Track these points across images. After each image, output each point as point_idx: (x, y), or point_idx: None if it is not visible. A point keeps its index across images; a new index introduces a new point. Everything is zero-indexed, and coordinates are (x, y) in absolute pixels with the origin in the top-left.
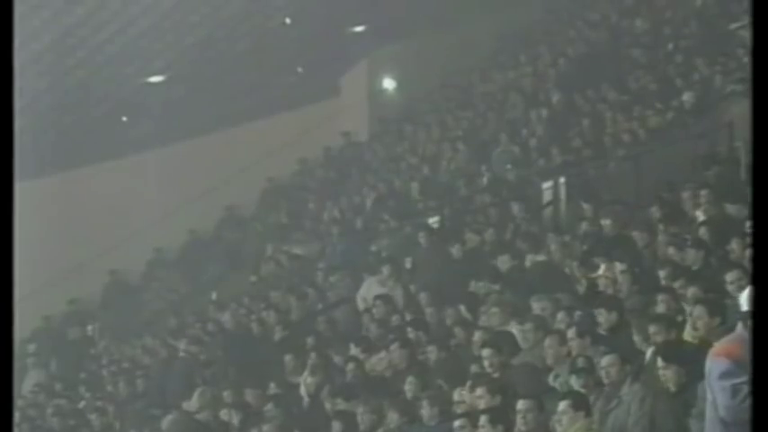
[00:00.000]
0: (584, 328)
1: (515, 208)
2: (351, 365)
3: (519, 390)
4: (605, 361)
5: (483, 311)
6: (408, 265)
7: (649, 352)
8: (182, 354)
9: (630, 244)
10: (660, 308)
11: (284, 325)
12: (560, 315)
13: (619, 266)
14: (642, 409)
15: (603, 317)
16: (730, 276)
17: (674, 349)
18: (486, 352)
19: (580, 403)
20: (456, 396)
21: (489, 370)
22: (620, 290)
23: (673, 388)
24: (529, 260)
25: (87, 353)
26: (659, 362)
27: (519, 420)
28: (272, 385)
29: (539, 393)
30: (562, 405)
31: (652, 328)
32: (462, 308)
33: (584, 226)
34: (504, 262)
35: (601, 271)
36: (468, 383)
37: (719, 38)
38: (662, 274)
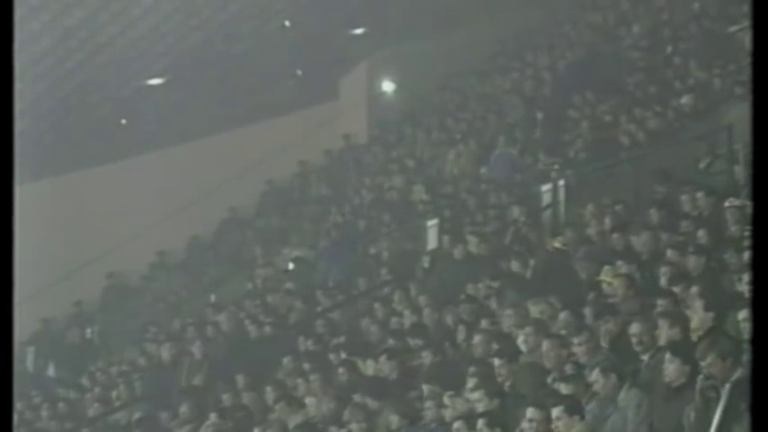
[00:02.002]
0: (592, 334)
1: (516, 211)
2: (342, 369)
3: (521, 391)
4: (594, 375)
5: (483, 314)
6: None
7: (648, 355)
8: (180, 356)
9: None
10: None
11: (283, 327)
12: (563, 315)
13: (622, 269)
14: (639, 415)
15: (611, 324)
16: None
17: (682, 345)
18: (497, 362)
19: (574, 408)
20: (446, 400)
21: (500, 380)
22: (617, 293)
23: (674, 384)
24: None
25: (86, 355)
26: (667, 355)
27: (525, 426)
28: (270, 388)
29: (540, 395)
30: (556, 411)
31: (661, 322)
32: (462, 310)
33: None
34: (504, 264)
35: (603, 275)
36: (471, 382)
37: (718, 41)
38: (662, 277)
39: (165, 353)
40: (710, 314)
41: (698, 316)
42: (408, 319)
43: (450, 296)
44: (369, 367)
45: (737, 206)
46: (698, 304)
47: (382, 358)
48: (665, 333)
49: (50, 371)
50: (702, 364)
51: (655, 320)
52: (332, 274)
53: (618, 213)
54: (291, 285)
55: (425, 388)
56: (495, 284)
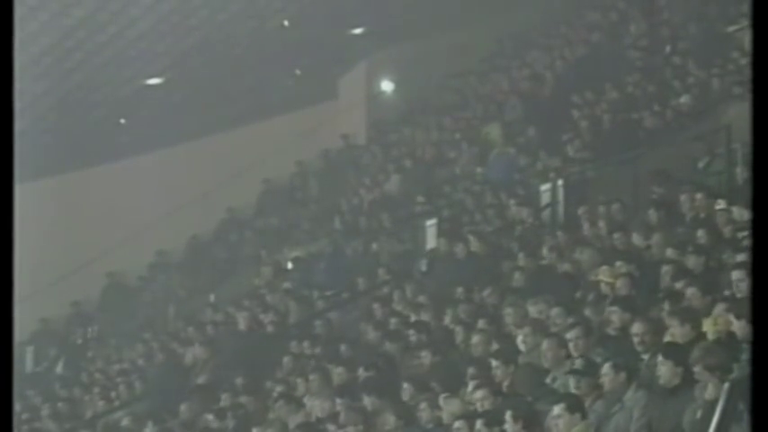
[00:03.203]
0: (587, 330)
1: (523, 212)
2: (339, 369)
3: (520, 390)
4: (605, 369)
5: (481, 314)
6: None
7: (647, 355)
8: (179, 356)
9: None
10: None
11: (282, 327)
12: (555, 311)
13: (622, 269)
14: (645, 415)
15: (618, 315)
16: (736, 275)
17: (674, 347)
18: (494, 362)
19: (575, 406)
20: (440, 401)
21: (497, 380)
22: (620, 293)
23: (668, 385)
24: (530, 264)
25: (85, 355)
26: (659, 357)
27: (551, 423)
28: (271, 388)
29: (539, 395)
30: (557, 409)
31: (672, 321)
32: (461, 310)
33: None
34: (505, 265)
35: (602, 274)
36: (472, 385)
37: (717, 40)
38: (662, 276)
39: (165, 354)
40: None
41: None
42: (408, 318)
43: (448, 296)
44: (339, 375)
45: (724, 209)
46: (720, 307)
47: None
48: (677, 329)
49: (59, 368)
50: (696, 369)
51: (654, 320)
52: (331, 274)
53: (616, 213)
54: (290, 285)
55: (416, 389)
56: (494, 286)
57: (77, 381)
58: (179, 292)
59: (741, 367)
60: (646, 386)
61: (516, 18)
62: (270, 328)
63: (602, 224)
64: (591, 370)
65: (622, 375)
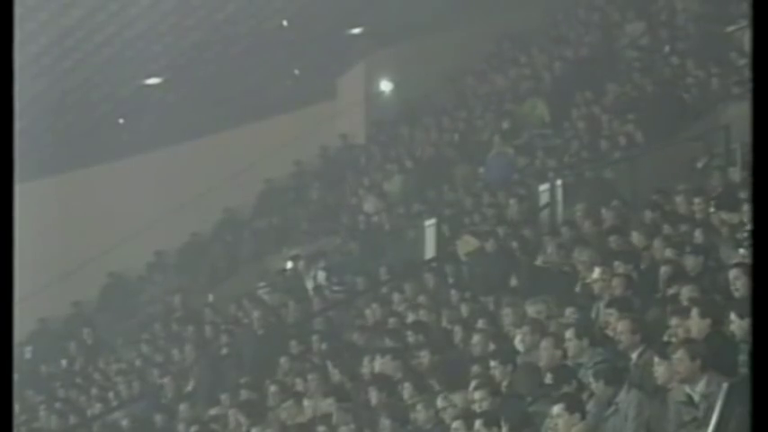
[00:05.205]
0: (582, 330)
1: (511, 211)
2: (338, 370)
3: (519, 390)
4: (590, 379)
5: (481, 314)
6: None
7: (635, 354)
8: (179, 356)
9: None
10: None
11: (281, 327)
12: (553, 311)
13: (619, 269)
14: (641, 415)
15: (614, 317)
16: (732, 274)
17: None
18: (493, 363)
19: (575, 406)
20: (440, 402)
21: (497, 380)
22: (614, 293)
23: (666, 385)
24: (528, 264)
25: (85, 355)
26: (656, 358)
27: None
28: (274, 388)
29: (538, 395)
30: (557, 408)
31: (674, 321)
32: (461, 310)
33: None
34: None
35: (596, 274)
36: (473, 384)
37: (716, 40)
38: (660, 277)
39: (164, 354)
40: (707, 321)
41: (695, 323)
42: (409, 318)
43: (448, 295)
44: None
45: (713, 212)
46: (694, 312)
47: (387, 358)
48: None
49: (50, 369)
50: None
51: (652, 321)
52: (330, 274)
53: (614, 213)
54: (289, 285)
55: (415, 388)
56: (492, 287)
57: (75, 380)
58: (179, 292)
59: (741, 367)
60: (637, 386)
61: (516, 18)
62: (268, 329)
63: (600, 224)
64: (567, 377)
65: (601, 383)
